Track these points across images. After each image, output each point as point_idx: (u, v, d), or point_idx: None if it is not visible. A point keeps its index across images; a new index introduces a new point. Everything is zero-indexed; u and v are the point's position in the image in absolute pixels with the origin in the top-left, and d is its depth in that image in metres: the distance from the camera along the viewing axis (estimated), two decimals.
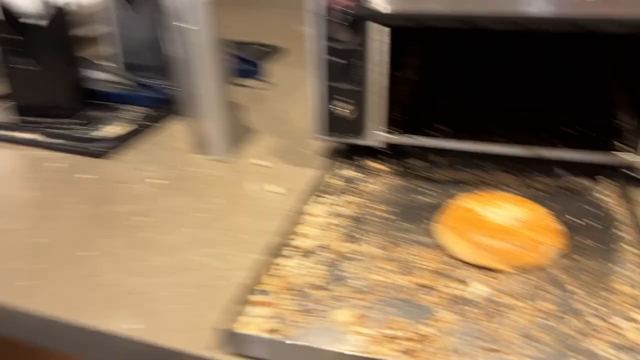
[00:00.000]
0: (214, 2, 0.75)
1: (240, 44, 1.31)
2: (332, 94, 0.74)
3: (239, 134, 0.90)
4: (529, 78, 0.92)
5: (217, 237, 0.65)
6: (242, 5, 1.72)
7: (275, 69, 1.20)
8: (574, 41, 0.97)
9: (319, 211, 0.68)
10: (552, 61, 0.97)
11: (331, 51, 0.72)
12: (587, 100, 0.83)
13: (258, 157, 0.83)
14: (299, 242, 0.62)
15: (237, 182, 0.77)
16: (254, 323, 0.51)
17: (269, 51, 1.27)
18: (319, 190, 0.72)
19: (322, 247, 0.61)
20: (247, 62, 1.12)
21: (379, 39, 0.69)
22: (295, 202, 0.69)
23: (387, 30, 0.68)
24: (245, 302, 0.53)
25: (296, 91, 1.07)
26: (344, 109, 0.74)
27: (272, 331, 0.50)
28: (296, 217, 0.66)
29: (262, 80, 1.13)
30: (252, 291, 0.55)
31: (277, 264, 0.59)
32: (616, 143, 0.72)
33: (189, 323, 0.53)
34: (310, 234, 0.64)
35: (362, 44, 0.70)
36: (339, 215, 0.67)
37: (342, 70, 0.72)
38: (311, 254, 0.61)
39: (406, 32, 0.89)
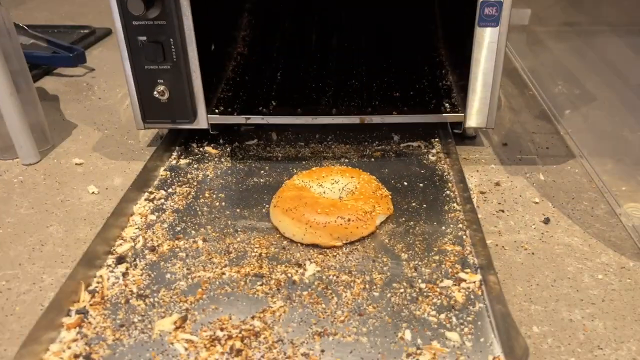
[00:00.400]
0: None
1: (56, 28, 1.17)
2: (146, 76, 0.67)
3: (53, 130, 0.80)
4: (357, 45, 0.91)
5: (21, 254, 0.56)
6: None
7: (98, 54, 1.09)
8: (400, 3, 0.98)
9: (143, 209, 0.61)
10: (380, 26, 0.97)
11: (136, 29, 0.64)
12: (416, 63, 0.84)
13: (76, 154, 0.74)
14: (118, 247, 0.55)
15: (50, 187, 0.67)
16: (63, 350, 0.44)
17: (91, 33, 1.15)
18: (144, 185, 0.65)
19: (144, 249, 0.55)
20: (64, 47, 1.00)
21: (183, 13, 0.63)
22: (117, 202, 0.62)
23: (187, 3, 0.62)
24: (53, 326, 0.46)
25: (122, 77, 0.97)
26: (161, 92, 0.67)
27: (85, 357, 0.44)
28: (117, 220, 0.58)
29: (83, 67, 1.01)
30: (60, 313, 0.47)
31: (93, 276, 0.52)
32: (446, 104, 0.72)
33: None
34: (131, 236, 0.57)
35: (165, 19, 0.63)
36: (164, 210, 0.61)
37: (152, 49, 0.65)
38: (131, 258, 0.54)
39: (223, 6, 0.84)
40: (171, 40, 0.65)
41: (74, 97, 0.91)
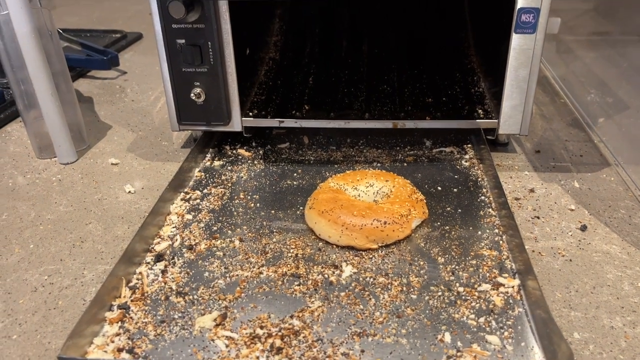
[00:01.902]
0: None
1: (88, 32, 1.20)
2: (183, 78, 0.68)
3: (89, 130, 0.81)
4: (388, 51, 0.92)
5: (62, 250, 0.57)
6: None
7: (130, 57, 1.11)
8: (431, 8, 0.98)
9: (180, 209, 0.62)
10: (411, 32, 0.98)
11: (175, 33, 0.66)
12: (447, 70, 0.84)
13: (112, 154, 0.75)
14: (156, 245, 0.56)
15: (87, 186, 0.68)
16: (107, 344, 0.45)
17: (122, 38, 1.17)
18: (180, 185, 0.66)
19: (182, 248, 0.56)
20: (97, 51, 1.02)
21: (220, 18, 0.64)
22: (154, 201, 0.63)
23: (226, 7, 0.64)
24: (96, 321, 0.47)
25: (155, 79, 0.98)
26: (197, 94, 0.69)
27: (128, 350, 0.44)
28: (154, 219, 0.59)
29: (115, 70, 1.03)
30: (102, 308, 0.48)
31: (133, 273, 0.53)
32: (479, 111, 0.73)
33: (29, 355, 0.45)
34: (169, 235, 0.58)
35: (204, 23, 0.64)
36: (200, 210, 0.62)
37: (190, 52, 0.66)
38: (170, 256, 0.55)
39: (258, 10, 0.85)
40: (209, 43, 0.66)
41: (108, 99, 0.93)
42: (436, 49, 0.91)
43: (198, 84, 0.69)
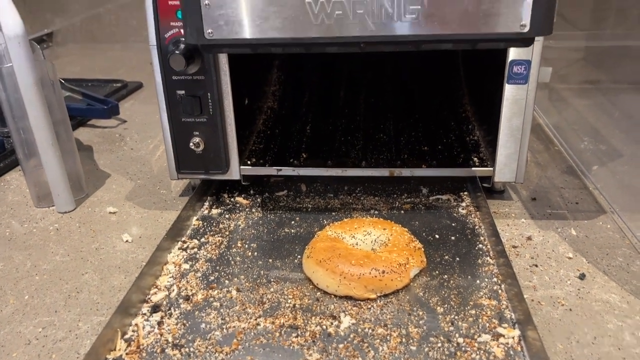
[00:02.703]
0: (24, 36, 0.66)
1: (90, 82, 1.22)
2: (183, 128, 0.69)
3: (88, 179, 0.82)
4: (384, 101, 0.93)
5: (57, 301, 0.56)
6: (94, 40, 1.63)
7: (130, 106, 1.12)
8: (426, 60, 1.01)
9: (177, 258, 0.62)
10: (406, 82, 1.00)
11: (176, 84, 0.67)
12: (442, 118, 0.86)
13: (110, 203, 0.75)
14: (153, 296, 0.56)
15: (85, 235, 0.68)
16: None
17: (123, 87, 1.19)
18: (178, 234, 0.66)
19: (179, 298, 0.55)
20: (98, 100, 1.04)
21: (220, 69, 0.66)
22: (151, 250, 0.63)
23: (225, 59, 0.65)
24: None
25: (154, 128, 1.00)
26: (196, 144, 0.69)
27: None
28: (151, 268, 0.59)
29: (115, 119, 1.04)
30: None
31: (129, 324, 0.52)
32: (475, 158, 0.74)
33: None
34: (166, 285, 0.57)
35: (204, 74, 0.66)
36: (198, 259, 0.62)
37: (190, 103, 0.67)
38: (166, 307, 0.54)
39: (257, 61, 0.87)
40: (208, 94, 0.68)
41: (107, 147, 0.94)
42: (431, 98, 0.93)
43: (197, 133, 0.70)
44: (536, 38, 0.61)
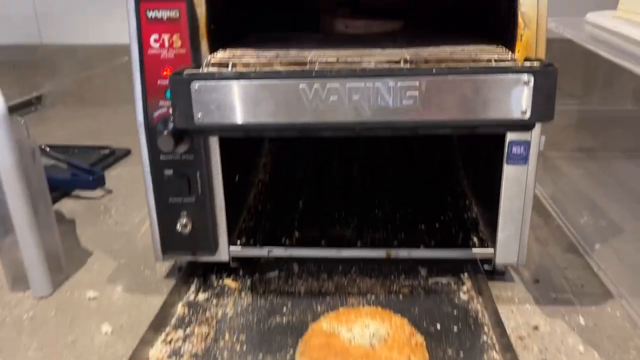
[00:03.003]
0: (5, 116, 0.63)
1: (76, 148, 1.19)
2: (170, 209, 0.66)
3: (69, 257, 0.77)
4: (379, 175, 0.91)
5: None
6: (83, 103, 1.62)
7: (117, 175, 1.09)
8: (422, 139, 1.00)
9: (159, 353, 0.57)
10: (403, 159, 0.98)
11: (163, 164, 0.64)
12: (438, 194, 0.83)
13: (91, 286, 0.71)
14: None
15: (61, 324, 0.64)
16: None
17: (110, 154, 1.16)
18: (161, 324, 0.62)
19: None
20: (84, 170, 1.01)
21: (210, 148, 0.64)
22: (132, 344, 0.58)
23: (216, 138, 0.63)
24: None
25: (141, 199, 0.96)
26: (184, 225, 0.66)
27: None
28: None
29: (102, 190, 1.01)
30: None
31: None
32: (474, 238, 0.71)
33: None
34: None
35: (193, 154, 0.63)
36: (182, 355, 0.57)
37: (178, 183, 0.64)
38: None
39: (247, 143, 0.85)
40: (198, 174, 0.65)
41: (91, 220, 0.90)
42: (426, 171, 0.91)
43: (185, 213, 0.67)
44: None
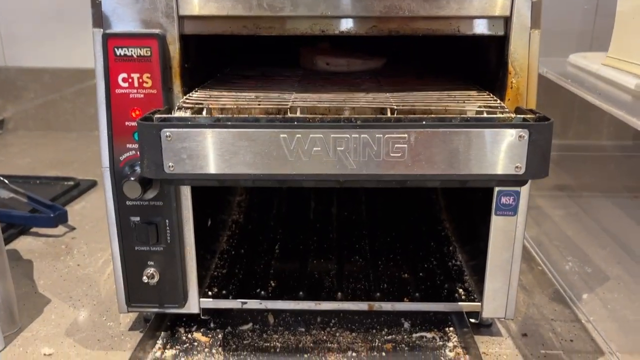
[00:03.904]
0: None
1: (38, 179, 1.13)
2: (136, 257, 0.61)
3: (23, 306, 0.71)
4: (358, 216, 0.88)
5: None
6: (48, 128, 1.55)
7: (80, 209, 1.03)
8: (404, 191, 0.96)
9: None
10: (384, 200, 0.95)
11: (130, 210, 0.60)
12: (421, 239, 0.80)
13: (46, 341, 0.65)
14: None
15: None
16: None
17: (76, 187, 1.10)
18: None
19: None
20: (45, 205, 0.94)
21: (181, 194, 0.59)
22: None
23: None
24: None
25: (106, 238, 0.90)
26: (150, 275, 0.61)
27: None
28: None
29: (64, 227, 0.95)
30: None
31: None
32: (460, 289, 0.67)
33: None
34: None
35: (163, 200, 0.59)
36: None
37: (145, 231, 0.60)
38: None
39: (219, 189, 0.81)
40: (167, 221, 0.60)
41: (51, 262, 0.84)
42: (407, 213, 0.88)
43: (152, 263, 0.62)
44: None
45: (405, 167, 0.49)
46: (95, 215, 1.00)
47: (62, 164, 1.28)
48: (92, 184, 1.14)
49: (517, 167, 0.48)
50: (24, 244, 0.90)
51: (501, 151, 0.48)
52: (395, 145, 0.48)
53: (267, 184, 0.52)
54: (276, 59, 0.83)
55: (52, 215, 0.91)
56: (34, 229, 0.95)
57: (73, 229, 0.95)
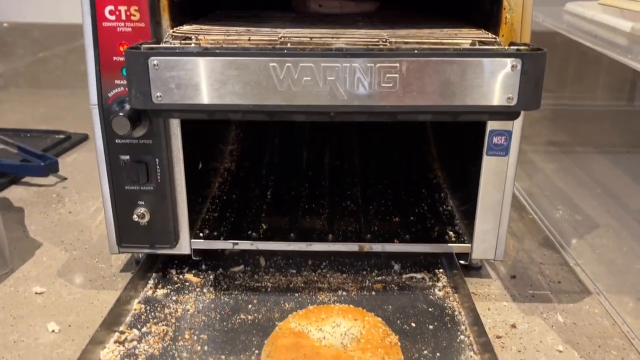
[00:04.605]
0: None
1: (29, 132, 1.12)
2: (126, 197, 0.61)
3: (14, 249, 0.71)
4: (350, 164, 0.88)
5: None
6: (38, 86, 1.53)
7: (72, 161, 1.03)
8: (395, 129, 0.96)
9: (112, 354, 0.52)
10: (372, 142, 0.95)
11: (119, 148, 0.59)
12: (412, 185, 0.80)
13: (38, 281, 0.65)
14: None
15: (3, 322, 0.58)
16: None
17: (66, 139, 1.09)
18: (115, 322, 0.57)
19: None
20: (35, 155, 0.94)
21: (171, 132, 0.59)
22: (82, 343, 0.53)
23: (177, 121, 0.58)
24: None
25: (98, 188, 0.90)
26: (141, 215, 0.61)
27: None
28: None
29: (54, 176, 0.94)
30: None
31: None
32: (450, 232, 0.68)
33: None
34: None
35: (152, 138, 0.58)
36: (137, 355, 0.52)
37: (135, 169, 0.59)
38: None
39: (213, 128, 0.80)
40: (157, 160, 0.60)
41: (42, 209, 0.84)
42: (399, 162, 0.88)
43: (142, 203, 0.62)
44: None
45: (396, 98, 0.48)
46: (87, 167, 0.99)
47: (53, 120, 1.26)
48: (84, 137, 1.13)
49: (509, 98, 0.48)
50: (14, 193, 0.89)
51: (493, 81, 0.47)
52: (387, 75, 0.47)
53: (257, 117, 0.51)
54: (268, 3, 0.81)
55: (42, 164, 0.91)
56: (24, 179, 0.94)
57: (64, 179, 0.94)
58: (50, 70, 1.52)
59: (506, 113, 0.50)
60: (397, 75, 0.47)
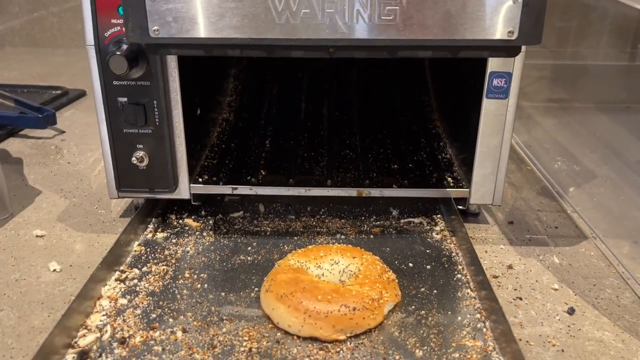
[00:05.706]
0: None
1: (26, 88, 1.11)
2: (124, 140, 0.61)
3: (14, 196, 0.71)
4: (349, 114, 0.87)
5: None
6: (34, 45, 1.51)
7: (70, 115, 1.02)
8: (392, 69, 0.95)
9: (113, 291, 0.53)
10: (371, 92, 0.94)
11: (117, 90, 0.59)
12: (412, 134, 0.80)
13: (38, 225, 0.66)
14: (81, 339, 0.47)
15: (4, 263, 0.58)
16: None
17: (63, 94, 1.08)
18: (115, 262, 0.57)
19: (112, 342, 0.47)
20: (32, 108, 0.93)
21: (168, 74, 0.58)
22: (83, 282, 0.54)
23: (175, 62, 0.58)
24: None
25: (96, 140, 0.90)
26: (140, 158, 0.61)
27: None
28: (81, 304, 0.50)
29: (52, 129, 0.94)
30: None
31: None
32: (449, 178, 0.68)
33: None
34: (97, 325, 0.49)
35: (150, 80, 0.58)
36: (138, 292, 0.53)
37: (133, 111, 0.59)
38: (96, 353, 0.45)
39: (211, 68, 0.79)
40: (155, 102, 0.60)
41: (40, 160, 0.84)
42: (399, 111, 0.87)
43: (141, 146, 0.62)
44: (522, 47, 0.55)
45: (396, 32, 0.48)
46: (85, 121, 0.99)
47: (50, 76, 1.25)
48: (82, 94, 1.12)
49: (510, 32, 0.48)
50: (13, 145, 0.89)
51: (495, 14, 0.47)
52: (387, 8, 0.47)
53: (256, 52, 0.51)
54: None
55: (40, 115, 0.90)
56: (22, 132, 0.94)
57: (62, 132, 0.94)
58: (45, 29, 1.50)
59: (507, 48, 0.49)
60: (397, 8, 0.47)
